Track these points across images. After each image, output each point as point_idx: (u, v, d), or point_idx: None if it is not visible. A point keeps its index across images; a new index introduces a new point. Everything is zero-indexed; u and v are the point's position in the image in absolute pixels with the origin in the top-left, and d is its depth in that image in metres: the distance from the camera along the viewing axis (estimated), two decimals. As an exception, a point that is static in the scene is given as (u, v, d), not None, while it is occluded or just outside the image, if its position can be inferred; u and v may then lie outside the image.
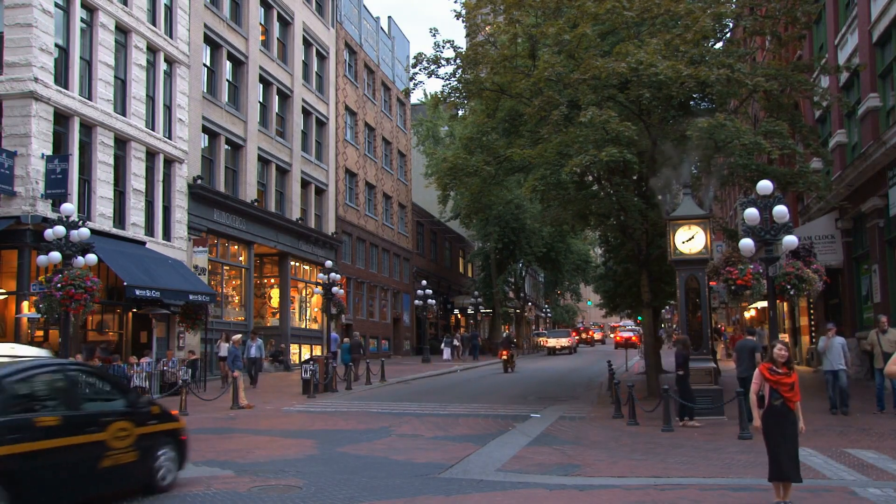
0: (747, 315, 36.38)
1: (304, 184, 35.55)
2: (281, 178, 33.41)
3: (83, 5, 21.37)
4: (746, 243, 12.94)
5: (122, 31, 23.07)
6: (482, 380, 28.59)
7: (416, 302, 41.53)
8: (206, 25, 27.79)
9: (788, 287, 13.75)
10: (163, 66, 25.09)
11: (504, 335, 41.98)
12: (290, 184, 33.82)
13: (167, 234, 24.91)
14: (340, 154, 39.64)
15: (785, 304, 27.48)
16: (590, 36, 16.71)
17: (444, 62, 19.00)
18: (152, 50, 24.55)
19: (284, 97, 33.89)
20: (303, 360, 26.13)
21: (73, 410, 8.23)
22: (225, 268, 29.46)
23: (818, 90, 18.81)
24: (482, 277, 54.65)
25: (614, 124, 15.01)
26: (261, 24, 32.27)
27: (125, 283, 19.98)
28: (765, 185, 13.01)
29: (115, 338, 23.02)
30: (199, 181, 26.42)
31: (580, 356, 48.24)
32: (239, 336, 21.25)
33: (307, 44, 36.34)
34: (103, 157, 21.74)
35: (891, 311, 17.19)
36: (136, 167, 23.28)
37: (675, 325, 53.36)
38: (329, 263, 25.29)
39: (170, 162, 25.08)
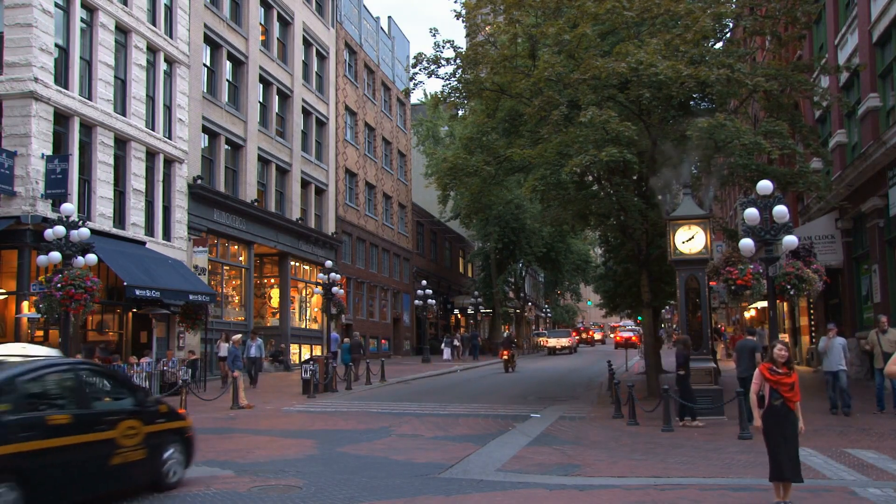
0: (747, 315, 36.38)
1: (304, 184, 35.55)
2: (281, 178, 33.41)
3: (83, 5, 21.37)
4: (746, 243, 12.94)
5: (122, 31, 23.07)
6: (482, 380, 28.59)
7: (416, 302, 41.53)
8: (206, 25, 27.79)
9: (788, 287, 13.76)
10: (163, 66, 25.09)
11: (505, 335, 42.01)
12: (290, 184, 33.82)
13: (167, 234, 24.91)
14: (340, 154, 39.64)
15: (785, 304, 27.49)
16: (590, 36, 16.71)
17: (444, 62, 19.00)
18: (152, 50, 24.55)
19: (284, 97, 33.88)
20: (303, 360, 26.12)
21: (84, 409, 8.32)
22: (225, 268, 29.46)
23: (818, 90, 18.81)
24: (482, 277, 54.63)
25: (614, 124, 15.01)
26: (261, 24, 32.27)
27: (125, 283, 19.99)
28: (765, 185, 13.02)
29: (115, 338, 23.02)
30: (199, 181, 26.42)
31: (580, 356, 48.25)
32: (239, 336, 21.25)
33: (307, 44, 36.34)
34: (103, 157, 21.75)
35: (891, 311, 17.19)
36: (136, 167, 23.28)
37: (675, 325, 53.37)
38: (329, 263, 25.29)
39: (170, 162, 25.09)
